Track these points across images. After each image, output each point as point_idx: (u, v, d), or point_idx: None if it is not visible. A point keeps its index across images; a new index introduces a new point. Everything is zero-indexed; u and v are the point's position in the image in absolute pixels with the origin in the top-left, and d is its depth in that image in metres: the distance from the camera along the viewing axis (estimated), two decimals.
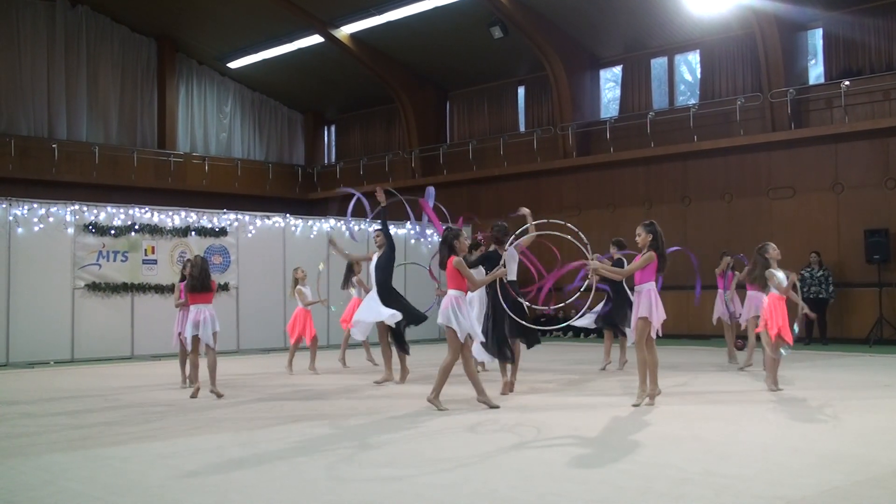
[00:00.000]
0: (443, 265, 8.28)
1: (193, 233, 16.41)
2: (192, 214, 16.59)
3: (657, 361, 8.35)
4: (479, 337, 8.29)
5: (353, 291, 13.17)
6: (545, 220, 9.93)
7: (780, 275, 9.40)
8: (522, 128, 23.61)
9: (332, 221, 18.63)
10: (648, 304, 8.20)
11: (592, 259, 8.40)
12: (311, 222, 18.37)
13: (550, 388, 9.89)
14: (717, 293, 12.85)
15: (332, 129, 29.65)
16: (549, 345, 17.98)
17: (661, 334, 8.43)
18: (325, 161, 29.44)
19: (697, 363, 13.14)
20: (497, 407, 8.14)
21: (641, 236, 8.36)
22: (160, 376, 12.11)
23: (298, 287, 12.44)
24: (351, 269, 12.88)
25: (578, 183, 21.28)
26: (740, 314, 12.27)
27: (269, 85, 27.91)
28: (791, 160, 17.93)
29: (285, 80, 27.13)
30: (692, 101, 20.35)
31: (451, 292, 8.14)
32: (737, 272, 12.76)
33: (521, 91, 23.86)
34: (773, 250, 9.56)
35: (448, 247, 8.30)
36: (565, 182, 21.53)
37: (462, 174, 23.55)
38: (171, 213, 16.31)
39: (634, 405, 8.15)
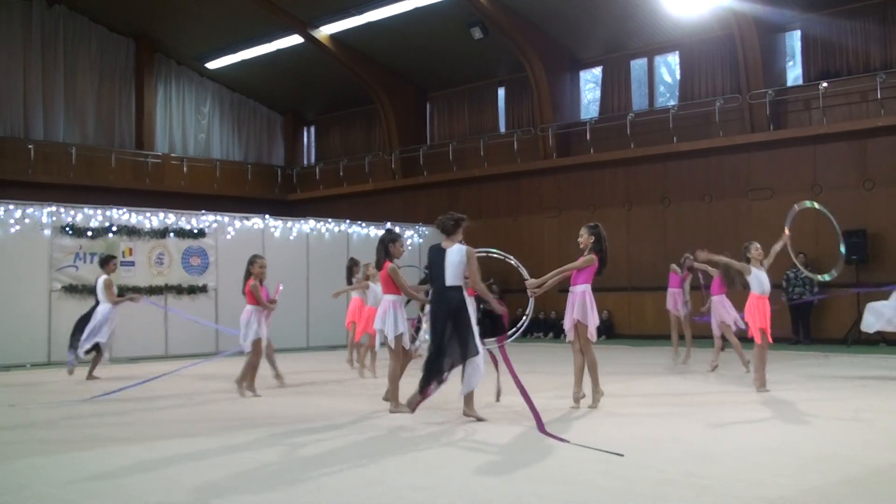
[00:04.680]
0: (378, 267, 8.33)
1: (172, 234, 16.30)
2: (171, 216, 16.48)
3: (595, 363, 8.29)
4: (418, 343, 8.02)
5: (353, 293, 13.08)
6: (483, 252, 9.58)
7: (760, 273, 9.45)
8: (503, 129, 23.61)
9: (311, 223, 18.56)
10: (583, 306, 8.12)
11: (528, 279, 8.32)
12: (290, 224, 18.29)
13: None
14: (674, 291, 13.01)
15: (312, 129, 29.54)
16: (526, 346, 18.00)
17: (593, 340, 8.28)
18: (305, 162, 29.32)
19: (680, 365, 13.17)
20: (410, 412, 7.89)
21: (584, 237, 8.29)
22: (135, 379, 11.98)
23: (370, 284, 11.82)
24: (351, 270, 12.82)
25: (558, 184, 21.32)
26: (686, 314, 12.60)
27: (248, 85, 27.77)
28: (770, 161, 18.05)
29: (264, 80, 27.01)
30: (672, 103, 20.43)
31: (388, 297, 8.22)
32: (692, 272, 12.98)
33: (501, 92, 23.86)
34: (755, 250, 9.61)
35: (384, 250, 8.29)
36: (545, 183, 21.56)
37: (442, 175, 23.53)
38: (148, 215, 16.19)
39: (593, 406, 8.14)
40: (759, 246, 9.67)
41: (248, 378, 9.82)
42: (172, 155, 26.03)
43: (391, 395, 8.18)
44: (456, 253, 7.56)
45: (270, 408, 8.75)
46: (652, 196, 19.71)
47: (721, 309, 11.63)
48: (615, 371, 12.14)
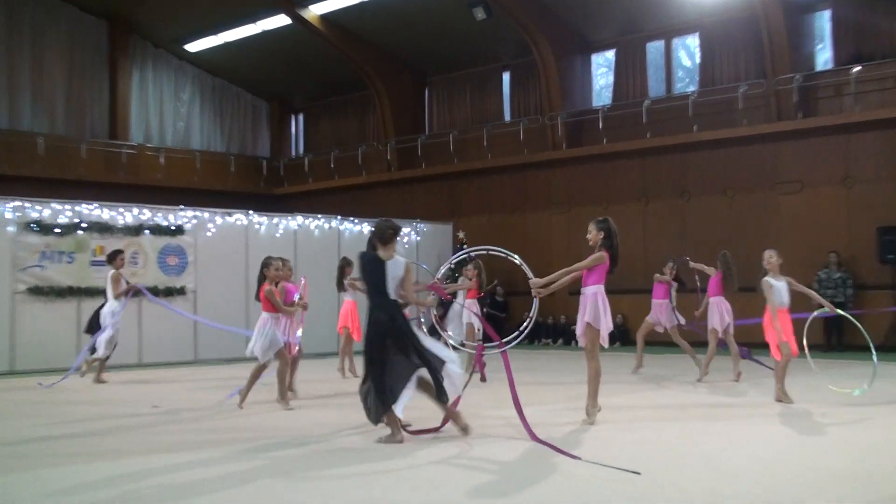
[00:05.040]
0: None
1: (147, 231, 16.24)
2: (146, 211, 16.41)
3: (599, 373, 8.16)
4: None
5: (345, 294, 13.10)
6: (483, 250, 9.54)
7: (779, 284, 9.39)
8: (507, 117, 23.54)
9: (299, 219, 18.51)
10: (595, 309, 8.02)
11: (531, 278, 8.23)
12: (276, 220, 18.23)
13: (532, 399, 9.82)
14: (661, 303, 12.97)
15: (300, 118, 29.47)
16: (533, 352, 17.96)
17: (605, 345, 8.21)
18: (293, 153, 29.24)
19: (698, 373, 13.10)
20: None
21: (592, 234, 8.20)
22: (104, 389, 11.93)
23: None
24: (343, 270, 12.79)
25: (569, 177, 21.27)
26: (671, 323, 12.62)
27: (231, 70, 27.71)
28: (798, 152, 17.99)
29: (249, 64, 26.94)
30: (691, 88, 20.37)
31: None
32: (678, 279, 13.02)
33: (505, 77, 23.81)
34: (769, 258, 9.56)
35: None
36: (554, 176, 21.51)
37: (442, 167, 23.47)
38: (122, 210, 16.12)
39: (591, 423, 8.00)
40: (774, 253, 9.61)
41: (280, 390, 9.76)
42: (148, 145, 25.96)
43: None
44: (399, 267, 7.41)
45: (261, 421, 8.70)
46: (670, 190, 19.65)
47: (717, 312, 11.70)
48: (629, 380, 12.09)
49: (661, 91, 21.07)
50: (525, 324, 9.20)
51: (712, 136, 18.87)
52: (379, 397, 7.08)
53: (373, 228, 7.59)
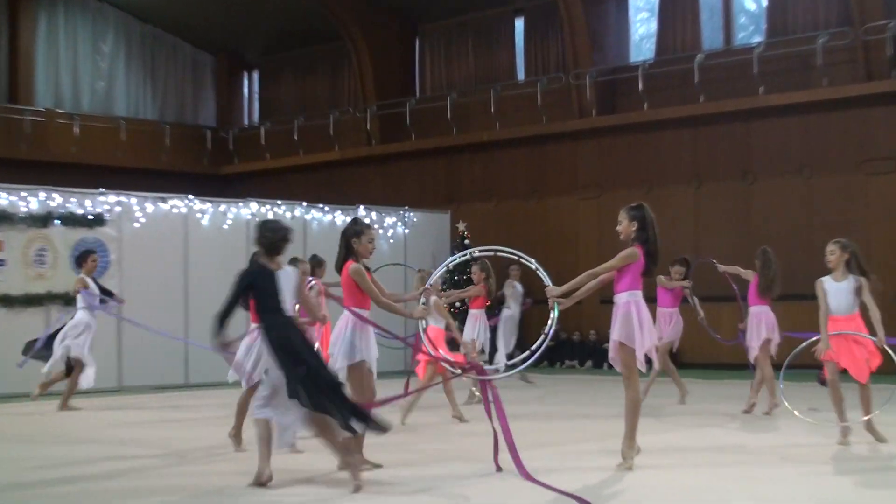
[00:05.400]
0: (338, 269, 8.38)
1: (57, 221, 16.15)
2: (56, 195, 16.34)
3: (638, 405, 8.13)
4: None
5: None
6: (490, 250, 9.49)
7: (838, 286, 9.40)
8: (521, 76, 23.53)
9: (253, 206, 18.48)
10: (627, 323, 7.96)
11: (548, 286, 8.22)
12: (224, 207, 18.18)
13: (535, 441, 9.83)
14: (666, 312, 13.13)
15: (255, 76, 29.44)
16: (554, 377, 17.95)
17: (652, 365, 8.24)
18: (245, 121, 29.23)
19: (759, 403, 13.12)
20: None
21: (623, 224, 8.17)
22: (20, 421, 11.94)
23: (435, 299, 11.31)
24: (313, 273, 12.78)
25: (600, 152, 21.25)
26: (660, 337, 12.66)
27: (165, 15, 27.68)
28: (892, 121, 18.00)
29: (189, 8, 26.91)
30: (756, 39, 20.37)
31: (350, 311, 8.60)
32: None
33: (518, 24, 23.81)
34: (828, 254, 9.63)
35: (345, 245, 8.45)
36: (581, 151, 21.49)
37: (437, 140, 23.46)
38: (24, 195, 16.05)
39: (628, 468, 7.96)
40: (835, 247, 9.62)
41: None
42: (59, 111, 25.90)
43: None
44: (291, 277, 7.78)
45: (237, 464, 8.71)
46: (730, 169, 19.66)
47: (756, 325, 11.88)
48: (678, 412, 12.13)
49: (717, 43, 21.05)
50: (539, 342, 8.98)
51: (783, 100, 18.85)
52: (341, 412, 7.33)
53: (256, 234, 7.89)
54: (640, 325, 7.98)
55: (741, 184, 19.55)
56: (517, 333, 16.61)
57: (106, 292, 13.81)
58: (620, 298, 8.07)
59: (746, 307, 12.15)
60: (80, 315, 13.26)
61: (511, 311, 16.51)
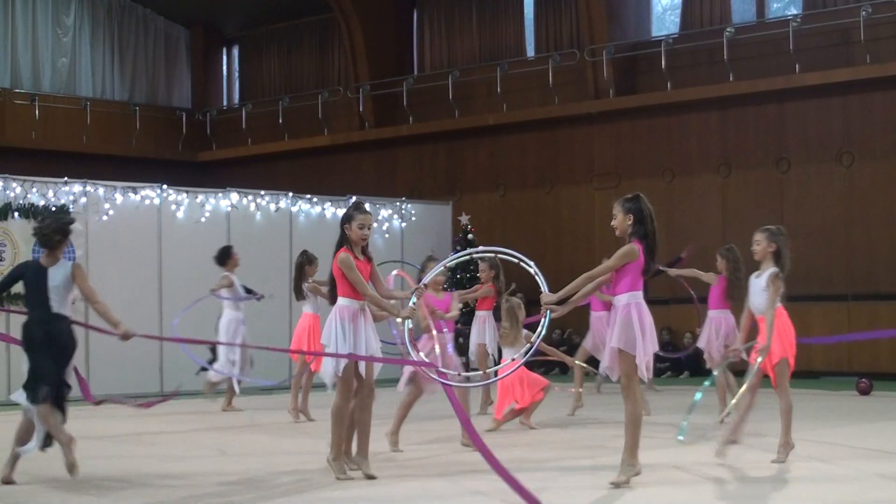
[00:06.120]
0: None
1: (16, 214, 16.15)
2: (15, 185, 16.36)
3: (640, 419, 8.10)
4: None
5: (305, 304, 13.26)
6: (487, 252, 9.52)
7: (756, 281, 9.31)
8: (531, 52, 23.52)
9: (234, 196, 18.48)
10: (627, 328, 7.93)
11: (544, 292, 8.22)
12: (201, 197, 18.15)
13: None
14: (599, 316, 13.28)
15: (235, 52, 29.43)
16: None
17: (647, 377, 8.22)
18: (224, 102, 29.22)
19: (802, 414, 13.13)
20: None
21: (618, 218, 8.10)
22: None
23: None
24: (302, 270, 13.00)
25: (618, 137, 21.25)
26: None
27: None
28: None
29: None
30: (792, 11, 20.32)
31: (341, 302, 8.82)
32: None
33: None
34: (756, 244, 9.65)
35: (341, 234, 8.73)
36: (597, 135, 21.49)
37: (437, 123, 23.44)
38: None
39: (614, 483, 7.99)
40: (761, 237, 9.57)
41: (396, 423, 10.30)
42: (17, 91, 25.88)
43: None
44: (62, 272, 8.47)
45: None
46: (761, 155, 19.64)
47: (720, 329, 11.90)
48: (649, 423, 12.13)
49: (749, 15, 21.05)
50: (528, 347, 9.06)
51: (821, 79, 18.82)
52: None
53: (35, 230, 8.80)
54: (641, 330, 7.94)
55: (774, 172, 19.53)
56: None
57: (248, 290, 14.59)
58: (620, 301, 8.06)
59: (705, 311, 12.16)
60: (231, 314, 14.21)
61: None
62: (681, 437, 9.54)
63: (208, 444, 11.31)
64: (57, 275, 8.37)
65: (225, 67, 29.59)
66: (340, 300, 8.54)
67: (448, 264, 9.80)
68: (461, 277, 19.11)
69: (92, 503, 7.89)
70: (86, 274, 8.69)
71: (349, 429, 8.69)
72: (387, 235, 19.74)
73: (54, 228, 8.48)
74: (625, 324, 7.96)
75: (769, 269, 9.21)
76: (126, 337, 8.58)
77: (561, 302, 8.19)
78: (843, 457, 9.64)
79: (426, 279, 9.51)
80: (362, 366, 8.52)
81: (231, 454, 10.56)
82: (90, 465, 8.96)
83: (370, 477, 8.39)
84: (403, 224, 20.39)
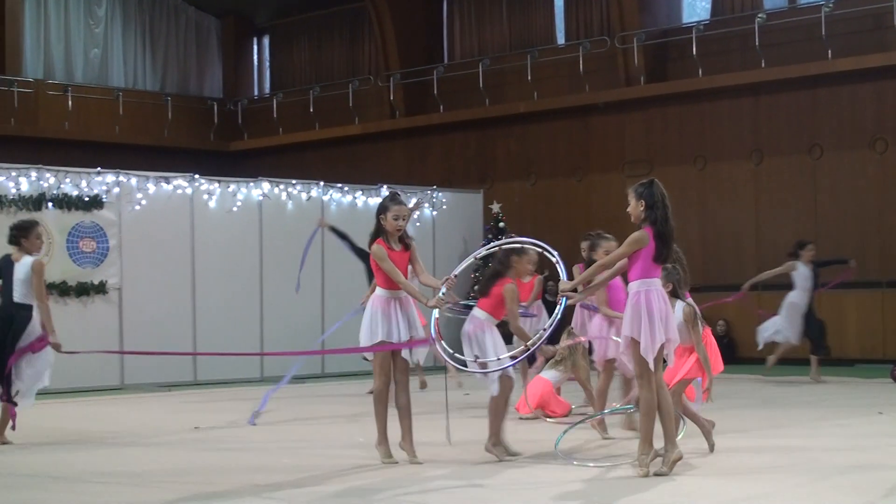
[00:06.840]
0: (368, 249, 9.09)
1: (50, 203, 16.23)
2: (49, 175, 16.45)
3: (654, 408, 7.99)
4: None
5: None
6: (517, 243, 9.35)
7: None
8: (561, 39, 23.46)
9: (265, 186, 18.55)
10: (636, 315, 7.94)
11: (563, 280, 8.23)
12: (232, 187, 18.23)
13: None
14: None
15: (266, 42, 29.44)
16: None
17: (666, 364, 8.14)
18: (255, 92, 29.27)
19: (834, 406, 13.13)
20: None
21: (631, 204, 8.14)
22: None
23: None
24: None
25: (649, 124, 21.21)
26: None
27: None
28: None
29: None
30: None
31: (378, 293, 9.18)
32: None
33: None
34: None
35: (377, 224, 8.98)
36: (629, 123, 21.45)
37: (467, 112, 23.44)
38: (15, 174, 16.16)
39: (643, 475, 7.89)
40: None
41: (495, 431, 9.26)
42: (50, 82, 26.00)
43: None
44: (23, 266, 10.12)
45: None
46: (794, 142, 19.56)
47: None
48: (734, 408, 12.09)
49: (780, 1, 20.93)
50: (536, 338, 8.87)
51: (855, 64, 18.72)
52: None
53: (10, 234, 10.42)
54: (647, 317, 7.94)
55: (807, 158, 19.44)
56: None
57: None
58: (632, 288, 8.10)
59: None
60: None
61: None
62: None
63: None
64: (21, 269, 10.11)
65: (256, 57, 29.63)
66: (378, 290, 8.92)
67: (478, 256, 9.79)
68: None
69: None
70: (42, 272, 10.23)
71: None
72: (418, 224, 19.66)
73: (16, 226, 10.35)
74: (634, 311, 8.01)
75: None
76: (56, 347, 10.12)
77: (576, 290, 8.43)
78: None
79: (456, 270, 9.43)
80: (405, 350, 8.85)
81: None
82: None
83: (415, 463, 8.62)
84: (434, 213, 20.42)
